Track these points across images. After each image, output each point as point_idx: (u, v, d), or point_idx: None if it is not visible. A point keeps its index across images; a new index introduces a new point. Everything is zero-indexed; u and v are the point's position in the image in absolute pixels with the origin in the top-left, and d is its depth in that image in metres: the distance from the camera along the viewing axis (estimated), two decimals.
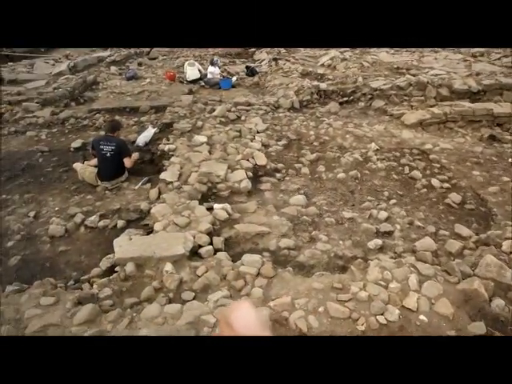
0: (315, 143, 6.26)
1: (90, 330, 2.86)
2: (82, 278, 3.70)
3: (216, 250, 3.75)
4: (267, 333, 0.37)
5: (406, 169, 5.52)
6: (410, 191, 5.08)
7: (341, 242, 4.04)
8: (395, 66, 9.88)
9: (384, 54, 11.05)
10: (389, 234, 4.15)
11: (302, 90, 8.46)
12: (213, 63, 10.80)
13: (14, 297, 3.26)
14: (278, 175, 5.38)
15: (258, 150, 5.69)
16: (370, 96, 8.26)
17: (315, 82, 8.96)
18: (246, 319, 0.38)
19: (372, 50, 11.76)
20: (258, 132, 6.37)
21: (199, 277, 3.36)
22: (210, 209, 4.36)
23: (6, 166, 6.00)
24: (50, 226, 4.43)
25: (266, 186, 5.12)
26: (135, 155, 5.61)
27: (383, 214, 4.42)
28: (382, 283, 3.10)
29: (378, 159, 5.75)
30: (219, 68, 10.94)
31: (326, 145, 6.22)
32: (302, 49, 14.21)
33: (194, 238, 3.78)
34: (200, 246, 3.76)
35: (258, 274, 3.38)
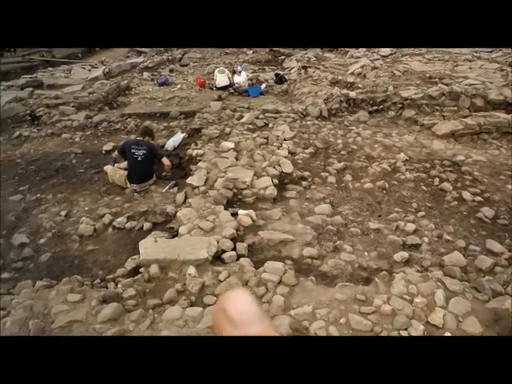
0: (343, 152, 6.20)
1: (113, 328, 2.92)
2: (108, 277, 3.79)
3: (239, 256, 3.77)
4: (263, 321, 0.36)
5: (436, 180, 5.37)
6: (440, 204, 4.94)
7: (366, 253, 3.97)
8: (427, 75, 9.68)
9: (416, 63, 10.85)
10: (416, 246, 4.05)
11: (331, 99, 8.41)
12: (235, 72, 10.92)
13: (43, 292, 3.38)
14: (304, 183, 5.36)
15: (285, 157, 5.68)
16: (400, 105, 8.13)
17: (344, 91, 8.89)
18: (242, 305, 0.36)
19: (404, 58, 11.58)
20: (285, 139, 6.38)
21: (221, 282, 3.37)
22: (235, 214, 4.39)
23: (41, 166, 6.25)
24: (80, 225, 4.58)
25: (291, 193, 5.11)
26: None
27: (411, 226, 4.31)
28: (407, 297, 3.02)
29: (406, 170, 5.63)
30: (246, 75, 11.02)
31: (353, 154, 6.15)
32: (332, 57, 14.16)
33: (218, 242, 3.81)
34: (223, 251, 3.79)
35: (280, 282, 3.36)
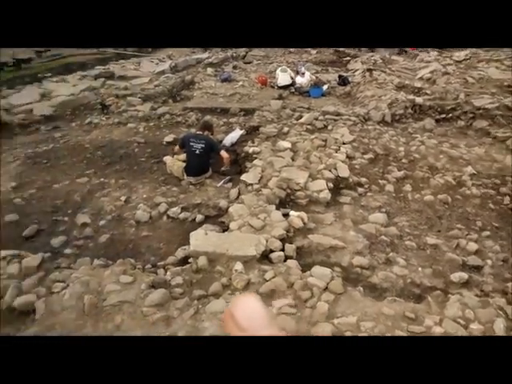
0: (404, 160, 5.94)
1: (159, 313, 3.02)
2: (159, 263, 3.93)
3: (287, 257, 3.73)
4: (271, 326, 0.35)
5: (507, 199, 4.97)
6: (508, 225, 4.56)
7: (420, 268, 3.77)
8: (505, 84, 8.99)
9: (493, 70, 10.10)
10: (477, 268, 3.77)
11: (396, 104, 8.08)
12: (298, 73, 10.83)
13: (99, 270, 3.57)
14: (360, 190, 5.20)
15: (342, 161, 5.55)
16: (471, 115, 7.61)
17: (411, 96, 8.50)
18: (250, 311, 0.35)
19: (479, 64, 10.84)
20: (343, 143, 6.23)
21: (267, 281, 3.36)
22: (286, 215, 4.36)
23: (107, 152, 6.62)
24: (137, 211, 4.79)
25: (345, 199, 4.98)
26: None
27: (473, 246, 4.03)
28: (462, 322, 2.82)
29: (473, 185, 5.26)
30: (308, 76, 10.89)
31: (415, 163, 5.86)
32: (400, 60, 13.61)
33: (267, 241, 3.80)
34: (271, 251, 3.78)
35: (326, 289, 3.29)
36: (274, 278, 3.39)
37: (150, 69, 13.45)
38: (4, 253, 3.89)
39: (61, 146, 7.03)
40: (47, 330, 3.04)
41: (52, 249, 4.32)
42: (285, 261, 3.66)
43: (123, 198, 5.11)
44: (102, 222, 4.74)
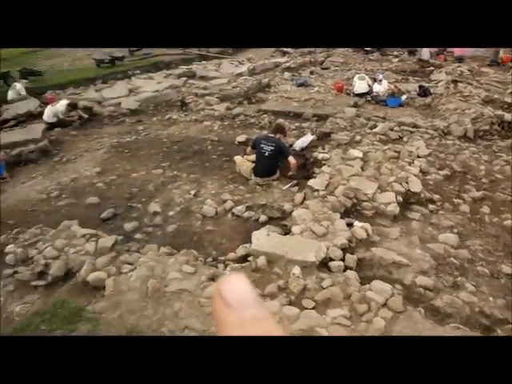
0: (484, 180, 5.52)
1: None
2: (220, 258, 4.08)
3: (346, 268, 3.67)
4: (260, 304, 0.34)
5: None
6: None
7: (491, 298, 3.49)
8: None
9: None
10: None
11: (481, 119, 7.53)
12: (376, 80, 10.49)
13: (164, 257, 3.80)
14: (432, 206, 4.93)
15: (415, 175, 5.30)
16: None
17: (499, 112, 7.86)
18: (238, 288, 0.34)
19: None
20: (418, 156, 5.95)
21: (323, 289, 3.34)
22: (350, 225, 4.28)
23: (182, 147, 6.99)
24: (204, 206, 5.00)
25: (414, 215, 4.75)
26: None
27: None
28: None
29: None
30: (386, 84, 10.52)
31: (497, 184, 5.42)
32: (490, 72, 12.65)
33: (328, 249, 3.77)
34: (331, 259, 3.74)
35: (385, 305, 3.18)
36: (331, 286, 3.35)
37: (229, 70, 13.90)
38: (84, 231, 4.30)
39: (142, 138, 7.56)
40: (113, 306, 3.30)
41: (124, 232, 4.66)
42: (344, 271, 3.61)
43: (193, 192, 5.36)
44: (171, 213, 5.01)
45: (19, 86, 10.85)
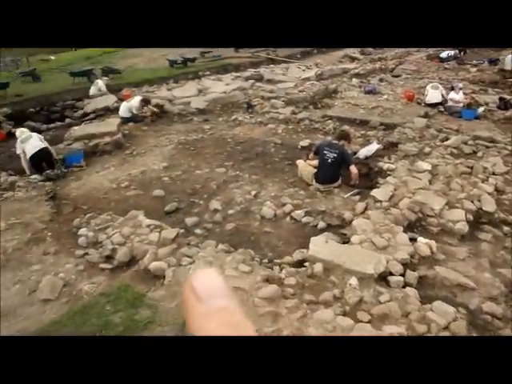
0: None
1: (268, 307, 3.15)
2: (275, 260, 4.08)
3: (406, 284, 3.51)
4: (229, 297, 0.34)
5: None
6: None
7: None
8: None
9: None
10: None
11: None
12: (453, 88, 9.89)
13: (222, 254, 3.89)
14: (506, 229, 4.56)
15: (489, 193, 4.94)
16: None
17: None
18: (208, 281, 0.34)
19: None
20: (493, 173, 5.54)
21: (380, 303, 3.22)
22: (413, 240, 4.09)
23: (245, 148, 7.11)
24: (264, 207, 5.05)
25: (485, 236, 4.43)
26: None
27: None
28: None
29: None
30: (463, 95, 9.91)
31: None
32: None
33: (388, 263, 3.63)
34: (390, 274, 3.60)
35: (446, 328, 3.00)
36: (388, 301, 3.23)
37: (296, 74, 13.93)
38: (149, 221, 4.53)
39: (207, 137, 7.81)
40: (171, 296, 3.44)
41: (185, 226, 4.84)
42: (403, 287, 3.45)
43: (253, 193, 5.43)
44: (230, 211, 5.12)
45: (100, 83, 11.69)
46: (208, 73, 14.59)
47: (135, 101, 9.20)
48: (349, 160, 5.57)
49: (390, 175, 5.48)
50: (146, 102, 9.31)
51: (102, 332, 2.81)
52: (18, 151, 6.66)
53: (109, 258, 4.06)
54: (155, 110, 9.30)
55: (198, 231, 4.77)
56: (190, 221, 4.96)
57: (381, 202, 4.78)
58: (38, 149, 6.51)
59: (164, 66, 15.86)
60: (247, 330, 0.34)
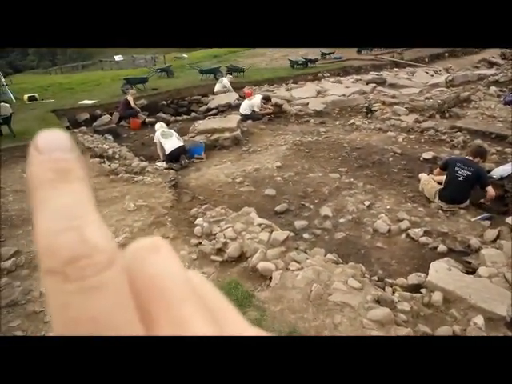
0: None
1: (377, 330, 2.94)
2: (386, 279, 3.82)
3: None
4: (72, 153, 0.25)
5: None
6: None
7: None
8: None
9: None
10: None
11: None
12: None
13: (330, 265, 3.76)
14: None
15: None
16: None
17: None
18: (55, 138, 0.26)
19: None
20: None
21: None
22: None
23: (361, 155, 6.82)
24: (378, 220, 4.76)
25: None
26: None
27: None
28: None
29: None
30: None
31: None
32: None
33: None
34: None
35: None
36: None
37: (423, 80, 12.95)
38: (260, 220, 4.60)
39: (322, 140, 7.69)
40: (276, 299, 3.43)
41: (293, 229, 4.81)
42: None
43: (367, 203, 5.17)
44: (341, 220, 4.95)
45: (225, 81, 12.38)
46: (328, 74, 14.42)
47: (256, 99, 9.51)
48: (485, 181, 4.92)
49: None
50: (266, 99, 9.57)
51: None
52: (155, 140, 7.62)
53: (220, 251, 4.23)
54: (271, 108, 9.51)
55: (306, 236, 4.71)
56: (298, 224, 4.93)
57: None
58: (177, 146, 7.33)
59: (285, 66, 16.14)
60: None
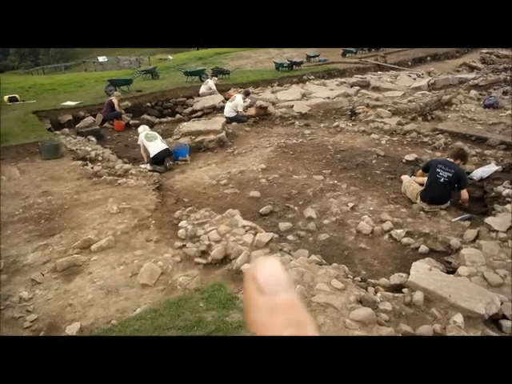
0: None
1: (360, 330, 2.97)
2: (369, 280, 3.86)
3: None
4: (290, 290, 0.33)
5: None
6: None
7: None
8: None
9: None
10: None
11: None
12: None
13: (314, 266, 3.78)
14: None
15: None
16: None
17: None
18: (271, 273, 0.33)
19: None
20: None
21: None
22: None
23: (345, 157, 6.90)
24: (361, 221, 4.82)
25: None
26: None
27: None
28: None
29: None
30: None
31: None
32: None
33: (502, 304, 3.20)
34: (504, 317, 3.15)
35: None
36: None
37: (405, 83, 13.15)
38: (244, 222, 4.60)
39: (307, 143, 7.74)
40: None
41: (278, 231, 4.83)
42: None
43: (350, 205, 5.22)
44: (325, 221, 4.99)
45: (210, 83, 12.35)
46: (313, 77, 14.53)
47: (238, 98, 9.51)
48: (464, 184, 5.04)
49: (509, 202, 4.84)
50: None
51: (194, 328, 2.90)
52: (139, 142, 7.54)
53: (204, 253, 4.22)
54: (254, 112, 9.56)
55: (290, 237, 4.73)
56: (283, 225, 4.95)
57: (497, 231, 4.24)
58: (162, 149, 7.25)
59: (270, 68, 16.20)
60: (310, 329, 0.33)
